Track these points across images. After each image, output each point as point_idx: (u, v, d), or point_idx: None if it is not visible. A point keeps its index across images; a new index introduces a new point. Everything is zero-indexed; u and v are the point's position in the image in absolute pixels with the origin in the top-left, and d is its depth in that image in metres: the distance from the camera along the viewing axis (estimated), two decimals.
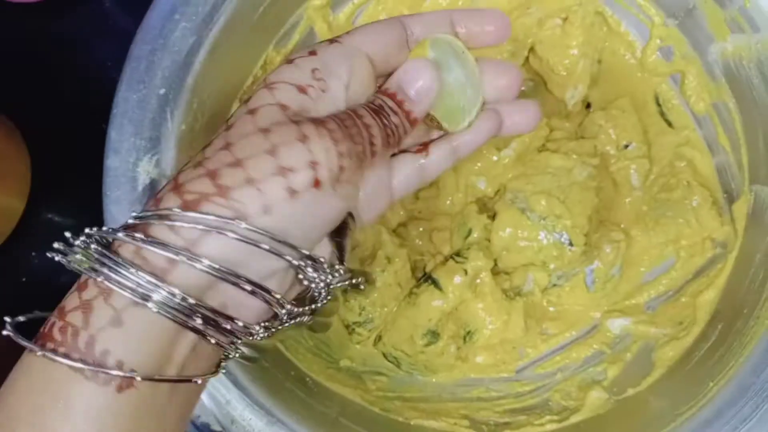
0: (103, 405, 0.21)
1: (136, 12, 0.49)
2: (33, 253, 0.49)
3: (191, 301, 0.22)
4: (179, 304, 0.22)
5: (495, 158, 0.41)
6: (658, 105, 0.43)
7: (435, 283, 0.39)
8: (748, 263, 0.37)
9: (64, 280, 0.46)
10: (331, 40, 0.27)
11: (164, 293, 0.21)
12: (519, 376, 0.41)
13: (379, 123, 0.26)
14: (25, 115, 0.49)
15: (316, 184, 0.23)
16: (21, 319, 0.24)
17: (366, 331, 0.41)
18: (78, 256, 0.23)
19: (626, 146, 0.41)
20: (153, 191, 0.36)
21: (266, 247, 0.23)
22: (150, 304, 0.21)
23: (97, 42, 0.52)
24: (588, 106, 0.43)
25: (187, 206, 0.22)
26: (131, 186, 0.36)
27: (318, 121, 0.24)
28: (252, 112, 0.25)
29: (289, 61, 0.26)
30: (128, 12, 0.53)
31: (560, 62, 0.41)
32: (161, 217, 0.22)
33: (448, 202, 0.43)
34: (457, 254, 0.40)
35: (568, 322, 0.42)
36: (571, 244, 0.38)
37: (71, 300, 0.22)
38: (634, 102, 0.43)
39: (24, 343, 0.22)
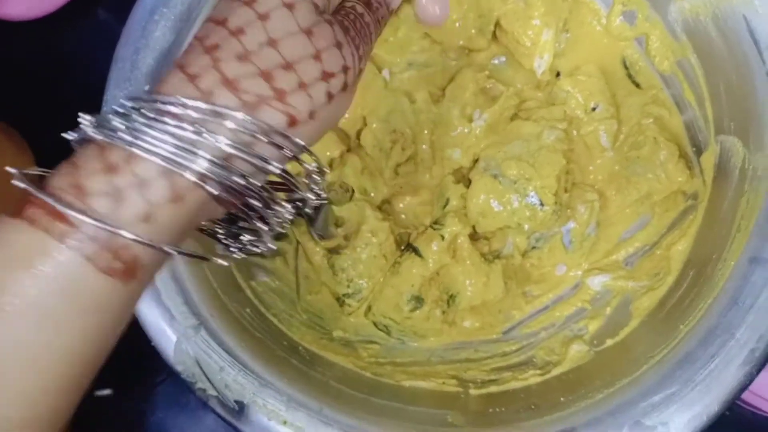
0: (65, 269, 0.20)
1: (125, 19, 0.52)
2: None
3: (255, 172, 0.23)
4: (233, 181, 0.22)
5: (467, 129, 0.42)
6: (626, 68, 0.44)
7: (416, 251, 0.41)
8: (716, 211, 0.38)
9: None
10: None
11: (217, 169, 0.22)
12: (505, 337, 0.43)
13: (373, 18, 0.28)
14: (30, 127, 0.52)
15: (344, 87, 0.26)
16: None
17: (356, 302, 0.43)
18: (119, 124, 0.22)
19: (594, 109, 0.43)
20: None
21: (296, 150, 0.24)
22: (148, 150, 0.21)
23: (96, 54, 0.56)
24: (558, 74, 0.45)
25: (246, 109, 0.22)
26: None
27: (344, 25, 0.26)
28: (289, 6, 0.24)
29: None
30: (123, 22, 0.56)
31: (524, 33, 0.42)
32: (217, 115, 0.22)
33: (427, 176, 0.44)
34: (436, 222, 0.41)
35: (550, 283, 0.43)
36: (541, 204, 0.40)
37: (93, 174, 0.21)
38: (603, 67, 0.44)
39: (43, 196, 0.21)
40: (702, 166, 0.40)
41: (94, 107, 0.53)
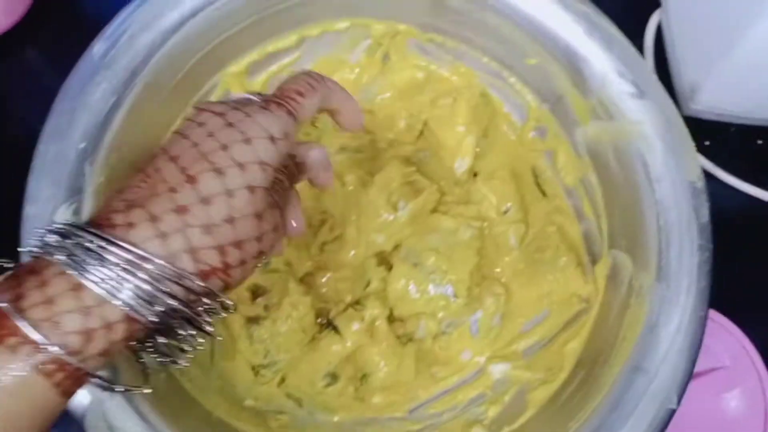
0: (24, 381, 0.23)
1: (60, 67, 0.51)
2: None
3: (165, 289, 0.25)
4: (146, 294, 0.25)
5: (392, 217, 0.45)
6: (535, 176, 0.49)
7: (335, 329, 0.43)
8: (606, 317, 0.43)
9: None
10: (292, 116, 0.31)
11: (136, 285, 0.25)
12: (410, 416, 0.45)
13: (287, 179, 0.32)
14: None
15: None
16: None
17: (271, 373, 0.44)
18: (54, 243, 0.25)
19: (505, 212, 0.47)
20: None
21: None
22: (121, 299, 0.24)
23: (19, 94, 0.54)
24: (475, 174, 0.49)
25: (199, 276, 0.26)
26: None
27: (278, 205, 0.30)
28: (251, 190, 0.28)
29: (271, 138, 0.29)
30: (52, 67, 0.55)
31: (450, 137, 0.47)
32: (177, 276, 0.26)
33: (351, 254, 0.47)
34: (357, 302, 0.44)
35: (455, 366, 0.46)
36: (455, 296, 0.43)
37: (33, 293, 0.24)
38: (514, 172, 0.49)
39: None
40: (596, 275, 0.45)
41: (9, 147, 0.52)
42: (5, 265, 0.26)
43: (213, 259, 0.27)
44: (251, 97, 0.31)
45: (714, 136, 0.56)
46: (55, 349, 0.23)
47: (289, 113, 0.30)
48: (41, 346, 0.23)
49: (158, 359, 0.29)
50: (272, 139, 0.29)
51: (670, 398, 0.37)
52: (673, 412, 0.37)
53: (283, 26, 0.47)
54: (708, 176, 0.50)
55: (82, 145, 0.39)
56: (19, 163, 0.47)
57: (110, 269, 0.24)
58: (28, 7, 0.53)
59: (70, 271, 0.24)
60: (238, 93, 0.35)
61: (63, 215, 0.38)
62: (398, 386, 0.45)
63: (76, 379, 0.25)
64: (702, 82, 0.52)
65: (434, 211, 0.46)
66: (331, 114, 0.35)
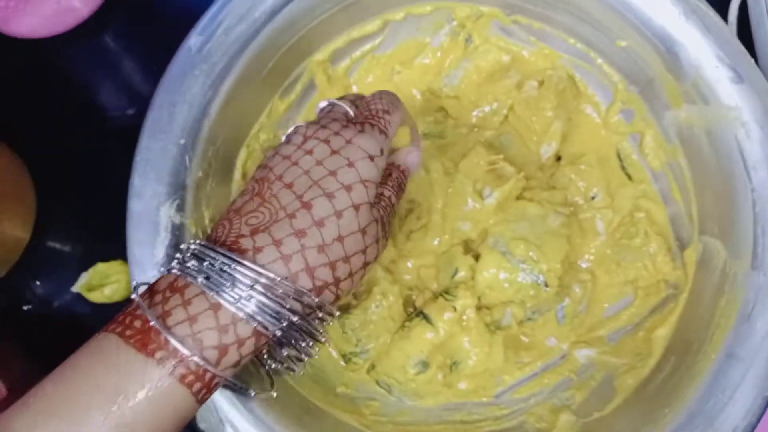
0: (165, 388, 0.26)
1: (132, 48, 0.52)
2: (37, 282, 0.51)
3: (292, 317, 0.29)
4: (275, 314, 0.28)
5: (479, 205, 0.45)
6: (620, 160, 0.48)
7: (426, 318, 0.43)
8: (697, 304, 0.43)
9: (64, 308, 0.49)
10: (383, 134, 0.34)
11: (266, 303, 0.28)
12: (497, 400, 0.46)
13: (394, 192, 0.35)
14: (28, 147, 0.51)
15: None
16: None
17: (361, 360, 0.45)
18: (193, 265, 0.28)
19: (593, 198, 0.47)
20: (174, 234, 0.39)
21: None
22: (251, 317, 0.27)
23: (97, 77, 0.55)
24: (558, 158, 0.49)
25: (315, 291, 0.30)
26: (153, 229, 0.39)
27: (382, 220, 0.32)
28: (356, 208, 0.31)
29: (370, 158, 0.32)
30: (128, 50, 0.56)
31: (536, 122, 0.46)
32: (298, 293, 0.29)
33: (435, 242, 0.47)
34: (446, 292, 0.44)
35: (540, 351, 0.47)
36: (546, 285, 0.43)
37: (177, 311, 0.27)
38: (598, 156, 0.48)
39: (148, 314, 0.27)
40: (685, 260, 0.45)
41: (92, 130, 0.53)
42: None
43: (326, 275, 0.30)
44: (341, 105, 0.36)
45: None
46: (196, 361, 0.26)
47: (381, 132, 0.34)
48: (185, 359, 0.26)
49: (279, 367, 0.32)
50: (371, 158, 0.32)
51: (766, 386, 0.38)
52: None
53: (367, 11, 0.46)
54: None
55: (183, 141, 0.40)
56: (103, 147, 0.48)
57: (242, 290, 0.27)
58: None
59: (208, 292, 0.27)
60: (325, 101, 0.37)
61: (167, 212, 0.39)
62: (485, 372, 0.45)
63: (211, 387, 0.28)
64: None
65: (520, 197, 0.46)
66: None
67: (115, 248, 0.38)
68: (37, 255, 0.50)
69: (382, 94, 0.36)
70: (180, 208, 0.39)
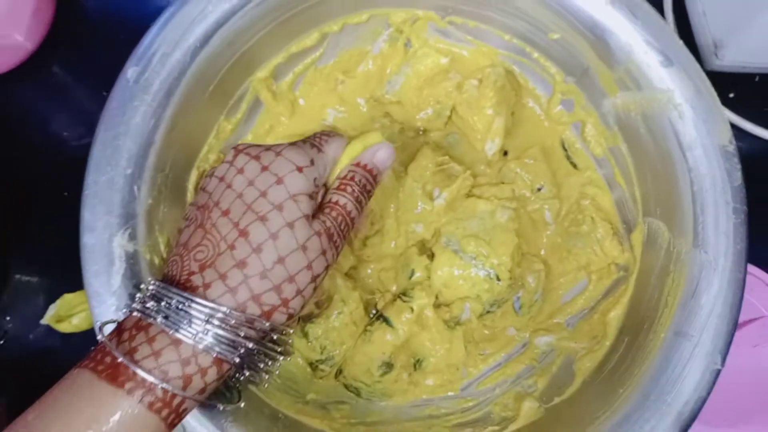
0: (135, 415, 0.28)
1: (81, 76, 0.52)
2: (7, 318, 0.51)
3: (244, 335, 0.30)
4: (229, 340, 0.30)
5: (429, 207, 0.47)
6: (564, 149, 0.50)
7: (386, 321, 0.45)
8: (645, 284, 0.44)
9: (37, 342, 0.50)
10: (315, 148, 0.35)
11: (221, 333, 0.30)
12: (463, 393, 0.47)
13: (353, 201, 0.35)
14: None
15: (323, 278, 0.34)
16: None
17: (328, 367, 0.46)
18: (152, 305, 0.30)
19: (539, 189, 0.48)
20: (128, 263, 0.40)
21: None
22: (209, 348, 0.29)
23: (51, 110, 0.55)
24: (505, 153, 0.50)
25: (264, 316, 0.31)
26: (108, 260, 0.39)
27: (328, 232, 0.33)
28: (290, 226, 0.31)
29: (299, 169, 0.33)
30: (74, 76, 0.56)
31: (478, 120, 0.47)
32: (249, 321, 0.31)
33: (392, 245, 0.48)
34: (404, 294, 0.45)
35: (501, 342, 0.48)
36: (498, 279, 0.44)
37: (143, 347, 0.29)
38: (543, 148, 0.49)
39: (115, 352, 0.29)
40: (632, 243, 0.46)
41: (50, 161, 0.53)
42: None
43: (273, 299, 0.31)
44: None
45: (737, 88, 0.56)
46: (163, 387, 0.29)
47: (313, 146, 0.34)
48: (153, 388, 0.28)
49: (244, 382, 0.34)
50: (299, 169, 0.33)
51: (714, 360, 0.39)
52: (718, 373, 0.39)
53: (304, 26, 0.47)
54: (734, 128, 0.51)
55: (129, 171, 0.40)
56: (64, 177, 0.48)
57: (198, 324, 0.29)
58: (48, 28, 0.54)
59: (168, 330, 0.29)
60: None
61: (119, 242, 0.40)
62: (449, 367, 0.47)
63: (179, 412, 0.30)
64: (728, 37, 0.52)
65: (469, 195, 0.47)
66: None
67: (80, 277, 0.39)
68: (4, 290, 0.51)
69: (330, 134, 0.37)
70: (132, 237, 0.40)
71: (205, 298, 0.30)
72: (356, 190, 0.35)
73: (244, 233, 0.31)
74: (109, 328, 0.32)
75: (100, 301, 0.39)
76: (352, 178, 0.35)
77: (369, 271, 0.48)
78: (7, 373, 0.50)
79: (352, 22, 0.48)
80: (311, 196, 0.33)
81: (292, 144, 0.34)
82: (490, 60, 0.49)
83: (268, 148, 0.34)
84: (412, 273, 0.46)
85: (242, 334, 0.30)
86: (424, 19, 0.48)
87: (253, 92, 0.47)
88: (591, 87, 0.47)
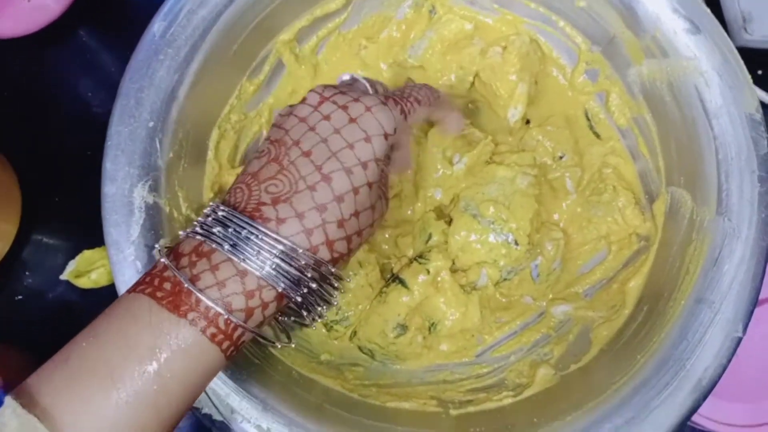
0: (197, 345, 0.27)
1: (107, 41, 0.53)
2: (26, 273, 0.52)
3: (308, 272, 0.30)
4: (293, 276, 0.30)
5: (449, 172, 0.46)
6: (588, 119, 0.49)
7: (402, 283, 0.44)
8: (666, 254, 0.44)
9: (56, 297, 0.51)
10: (403, 114, 0.35)
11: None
12: (478, 359, 0.47)
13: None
14: (12, 144, 0.53)
15: None
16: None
17: (343, 328, 0.46)
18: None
19: (561, 157, 0.48)
20: (148, 214, 0.40)
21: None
22: (275, 283, 0.29)
23: (77, 73, 0.56)
24: (527, 122, 0.50)
25: (332, 262, 0.32)
26: (128, 210, 0.40)
27: (385, 195, 0.36)
28: (369, 186, 0.32)
29: (385, 136, 0.33)
30: (104, 44, 0.57)
31: (501, 87, 0.47)
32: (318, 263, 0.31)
33: (409, 211, 0.48)
34: (420, 256, 0.45)
35: (518, 311, 0.48)
36: (516, 243, 0.44)
37: (206, 276, 0.28)
38: (566, 117, 0.49)
39: (175, 272, 0.28)
40: (654, 213, 0.45)
41: (74, 124, 0.54)
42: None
43: (343, 248, 0.32)
44: (363, 83, 0.37)
45: (767, 66, 0.55)
46: (225, 320, 0.28)
47: (402, 112, 0.34)
48: (216, 320, 0.28)
49: (294, 322, 0.34)
50: (386, 136, 0.33)
51: (735, 327, 0.38)
52: (739, 341, 0.38)
53: None
54: (763, 106, 0.50)
55: (152, 124, 0.41)
56: (91, 140, 0.49)
57: (267, 258, 0.29)
58: None
59: (235, 260, 0.28)
60: (347, 74, 0.39)
61: (140, 192, 0.40)
62: (464, 333, 0.46)
63: (238, 345, 0.30)
64: (757, 11, 0.51)
65: (490, 161, 0.47)
66: (435, 122, 0.42)
67: (100, 236, 0.39)
68: (25, 248, 0.52)
69: (424, 86, 0.37)
70: (153, 189, 0.40)
71: (278, 233, 0.29)
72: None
73: (327, 179, 0.31)
74: (167, 252, 0.30)
75: (118, 250, 0.40)
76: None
77: (386, 236, 0.48)
78: (27, 327, 0.51)
79: None
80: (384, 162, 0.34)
81: (383, 104, 0.33)
82: (515, 28, 0.49)
83: (357, 99, 0.33)
84: (429, 237, 0.46)
85: (309, 274, 0.30)
86: None
87: (276, 54, 0.47)
88: (616, 56, 0.46)
